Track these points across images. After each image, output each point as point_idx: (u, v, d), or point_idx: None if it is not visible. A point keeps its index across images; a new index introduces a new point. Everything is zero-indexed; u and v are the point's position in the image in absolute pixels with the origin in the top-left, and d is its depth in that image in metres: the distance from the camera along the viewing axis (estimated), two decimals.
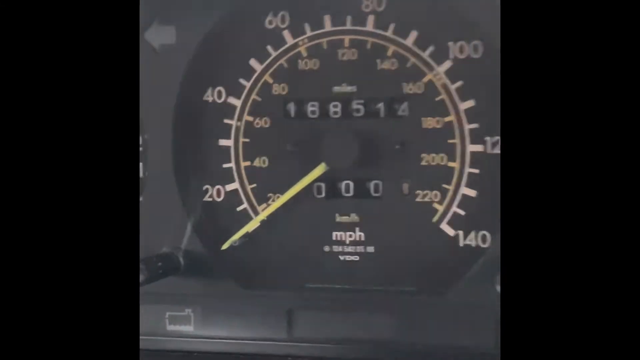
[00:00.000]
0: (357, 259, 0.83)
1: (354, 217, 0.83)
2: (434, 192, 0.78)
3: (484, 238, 0.79)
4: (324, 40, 0.79)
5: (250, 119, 0.80)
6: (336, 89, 0.81)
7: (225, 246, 0.81)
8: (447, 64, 0.76)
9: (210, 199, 0.83)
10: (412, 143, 0.80)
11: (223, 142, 0.81)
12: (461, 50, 0.75)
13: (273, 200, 0.81)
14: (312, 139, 0.81)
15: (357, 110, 0.78)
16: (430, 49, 0.77)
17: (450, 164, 0.76)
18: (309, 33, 0.79)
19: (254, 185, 0.84)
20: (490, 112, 0.76)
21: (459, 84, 0.74)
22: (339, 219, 0.84)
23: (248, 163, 0.81)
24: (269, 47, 0.78)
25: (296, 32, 0.77)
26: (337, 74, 0.81)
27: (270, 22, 0.78)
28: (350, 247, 0.83)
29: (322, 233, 0.85)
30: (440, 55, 0.80)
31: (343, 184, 0.82)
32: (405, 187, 0.80)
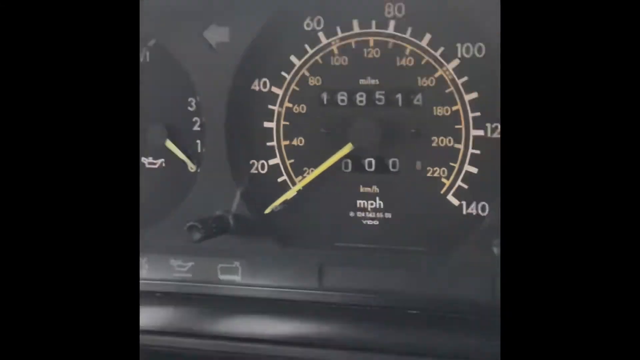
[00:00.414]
0: (377, 223, 0.88)
1: (374, 189, 0.88)
2: (442, 168, 0.84)
3: (483, 208, 0.84)
4: (353, 40, 0.85)
5: (290, 105, 0.86)
6: (362, 81, 0.86)
7: (267, 211, 0.87)
8: (455, 62, 0.80)
9: (256, 172, 0.89)
10: (424, 128, 0.84)
11: (267, 124, 0.88)
12: (467, 50, 0.79)
13: (308, 173, 0.86)
14: (341, 123, 0.87)
15: (379, 100, 0.84)
16: (441, 49, 0.80)
17: (456, 146, 0.82)
18: (340, 34, 0.84)
19: (292, 160, 0.90)
20: (490, 103, 0.80)
21: (465, 79, 0.79)
22: (362, 189, 0.89)
23: (287, 142, 0.88)
24: (306, 46, 0.85)
25: (329, 33, 0.84)
26: (362, 69, 0.87)
27: (308, 25, 0.85)
28: (371, 213, 0.89)
29: (348, 201, 0.90)
30: (449, 55, 0.82)
31: (366, 161, 0.87)
32: (418, 164, 0.85)
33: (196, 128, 0.92)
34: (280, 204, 0.89)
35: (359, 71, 0.86)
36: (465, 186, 0.83)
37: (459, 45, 0.82)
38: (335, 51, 0.86)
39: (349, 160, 0.87)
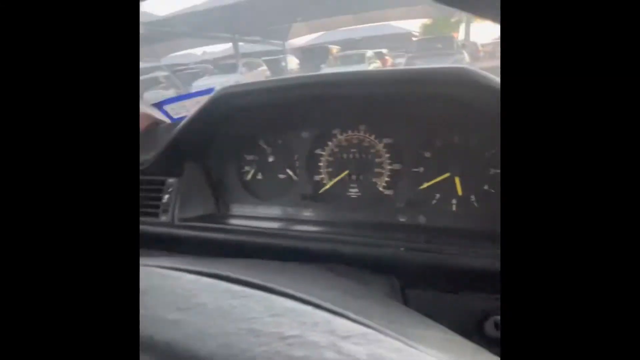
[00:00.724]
0: (356, 197, 1.60)
1: (355, 185, 1.62)
2: (377, 178, 1.55)
3: (393, 191, 1.54)
4: (348, 136, 1.61)
5: (328, 158, 1.63)
6: (352, 150, 1.60)
7: (321, 191, 1.63)
8: (383, 144, 1.53)
9: (318, 179, 1.67)
10: (372, 164, 1.57)
11: (320, 164, 1.66)
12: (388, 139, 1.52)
13: (333, 179, 1.64)
14: (344, 163, 1.63)
15: (358, 155, 1.58)
16: (373, 136, 1.54)
17: (382, 171, 1.54)
18: (343, 135, 1.60)
19: (328, 176, 1.64)
20: (397, 150, 1.52)
21: (388, 156, 1.53)
22: (351, 184, 1.61)
23: (327, 169, 1.66)
24: (336, 134, 1.61)
25: (342, 132, 1.60)
26: (352, 146, 1.61)
27: (334, 132, 1.61)
28: (354, 194, 1.62)
29: (345, 187, 1.62)
30: (379, 141, 1.52)
31: (353, 175, 1.60)
32: (371, 176, 1.57)
33: (298, 167, 1.71)
34: (326, 189, 1.63)
35: (351, 147, 1.62)
36: (385, 184, 1.55)
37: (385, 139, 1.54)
38: (342, 138, 1.61)
39: (347, 175, 1.62)
